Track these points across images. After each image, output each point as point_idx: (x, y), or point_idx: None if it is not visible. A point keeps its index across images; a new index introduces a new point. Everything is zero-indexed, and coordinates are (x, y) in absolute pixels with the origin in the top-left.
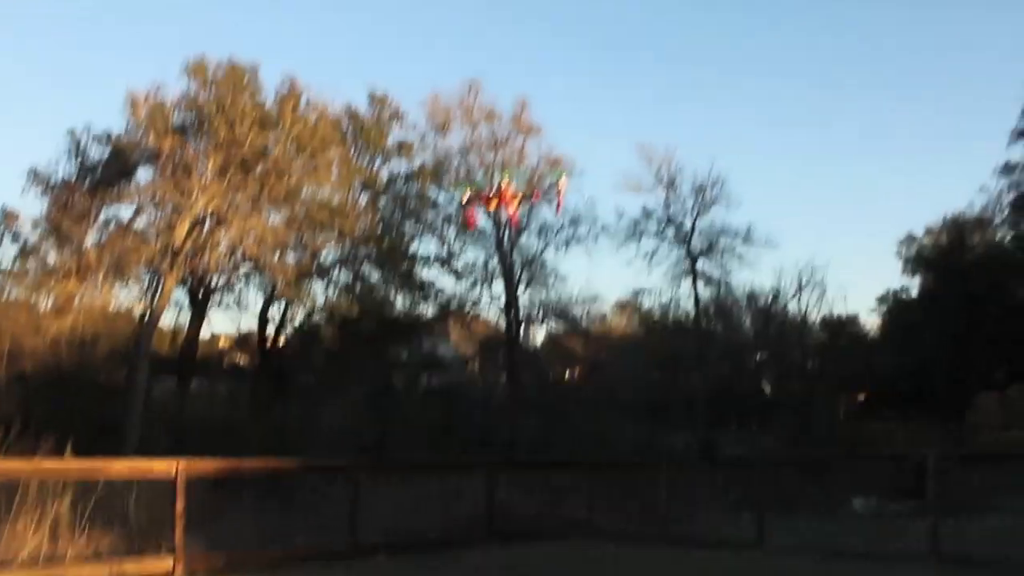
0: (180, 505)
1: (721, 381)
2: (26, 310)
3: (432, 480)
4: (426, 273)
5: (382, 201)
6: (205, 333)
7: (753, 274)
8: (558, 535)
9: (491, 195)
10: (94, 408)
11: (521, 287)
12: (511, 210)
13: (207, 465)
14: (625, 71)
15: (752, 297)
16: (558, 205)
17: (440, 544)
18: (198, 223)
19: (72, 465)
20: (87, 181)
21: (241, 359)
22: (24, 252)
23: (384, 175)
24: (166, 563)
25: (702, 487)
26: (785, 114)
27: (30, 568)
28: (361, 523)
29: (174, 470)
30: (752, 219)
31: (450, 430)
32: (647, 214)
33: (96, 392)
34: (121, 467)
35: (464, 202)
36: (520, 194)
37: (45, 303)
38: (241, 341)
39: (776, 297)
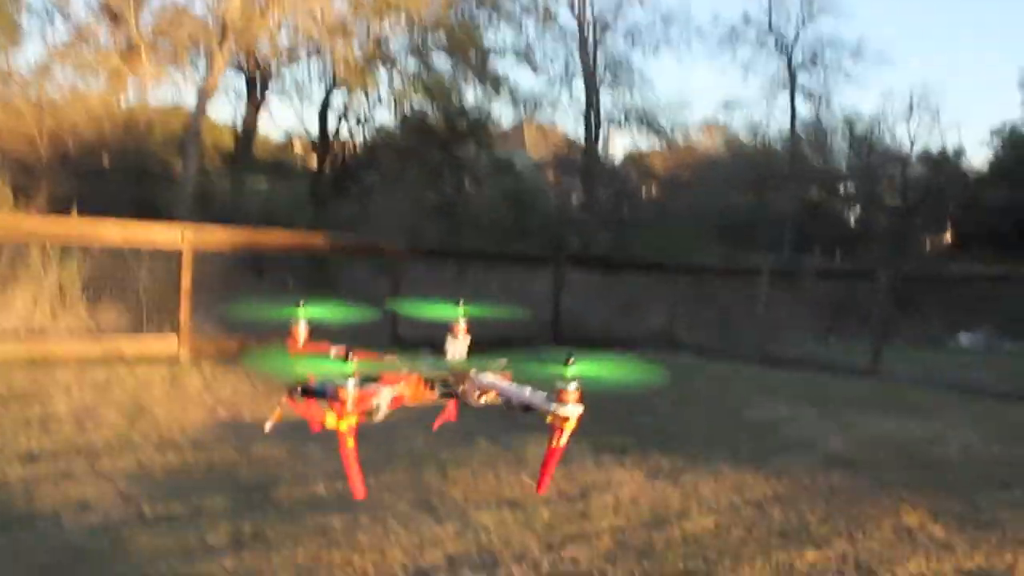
0: (187, 281)
1: (809, 207)
2: (75, 92)
3: (492, 278)
4: (501, 68)
5: None
6: (273, 134)
7: (860, 93)
8: (634, 345)
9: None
10: (142, 197)
11: (603, 89)
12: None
13: (220, 235)
14: None
15: (851, 121)
16: None
17: (495, 345)
18: None
19: (53, 227)
20: None
21: (307, 160)
22: (77, 33)
23: None
24: (169, 344)
25: (786, 308)
26: None
27: (11, 340)
28: (406, 318)
29: (179, 238)
30: (865, 33)
31: (520, 236)
32: (747, 19)
33: (145, 180)
34: (114, 231)
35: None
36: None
37: (95, 86)
38: (303, 139)
39: (878, 124)
